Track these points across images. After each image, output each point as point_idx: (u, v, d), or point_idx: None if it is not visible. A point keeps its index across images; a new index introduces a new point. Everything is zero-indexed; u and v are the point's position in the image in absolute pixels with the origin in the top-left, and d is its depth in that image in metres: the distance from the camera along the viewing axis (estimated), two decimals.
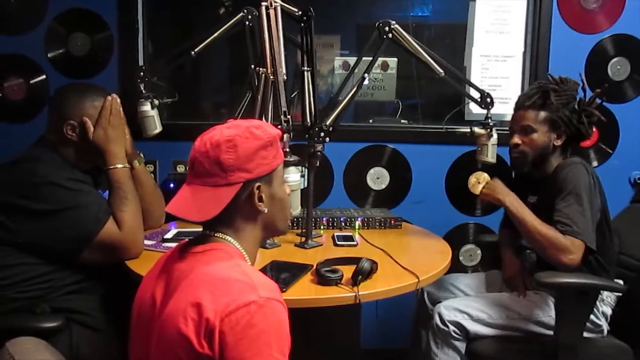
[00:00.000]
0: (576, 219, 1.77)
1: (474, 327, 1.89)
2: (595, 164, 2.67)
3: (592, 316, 1.87)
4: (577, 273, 1.78)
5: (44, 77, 2.55)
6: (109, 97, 1.74)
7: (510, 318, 1.90)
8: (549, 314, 1.88)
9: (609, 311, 1.92)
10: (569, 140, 1.96)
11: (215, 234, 1.12)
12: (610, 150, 2.68)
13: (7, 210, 1.59)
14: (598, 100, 1.97)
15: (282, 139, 1.70)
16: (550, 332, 1.84)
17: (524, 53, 2.66)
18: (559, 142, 1.94)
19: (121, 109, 1.77)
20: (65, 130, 1.69)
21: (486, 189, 1.97)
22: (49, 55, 2.54)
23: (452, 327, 1.89)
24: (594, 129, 2.57)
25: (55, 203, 1.60)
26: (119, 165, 1.74)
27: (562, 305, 1.80)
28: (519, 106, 1.99)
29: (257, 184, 1.12)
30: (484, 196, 1.99)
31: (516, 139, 1.97)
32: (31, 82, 2.55)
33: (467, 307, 1.92)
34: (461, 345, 1.91)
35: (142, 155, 1.94)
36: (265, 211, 1.14)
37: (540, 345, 1.86)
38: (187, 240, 1.16)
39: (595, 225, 1.82)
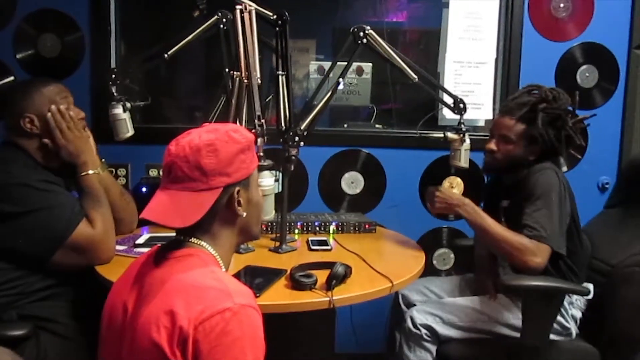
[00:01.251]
0: (544, 223, 1.79)
1: (444, 330, 1.92)
2: (565, 169, 2.72)
3: (560, 319, 1.90)
4: (543, 276, 1.81)
5: (12, 78, 2.49)
6: (49, 114, 1.69)
7: (480, 321, 1.93)
8: (517, 317, 1.90)
9: (578, 314, 1.95)
10: (544, 154, 1.94)
11: (190, 240, 1.10)
12: (579, 156, 2.73)
13: None
14: (585, 122, 1.98)
15: (256, 142, 1.70)
16: (518, 335, 1.87)
17: (496, 60, 2.70)
18: (532, 157, 1.93)
19: (71, 113, 1.73)
20: (24, 124, 1.67)
21: (439, 201, 1.92)
22: (17, 56, 2.49)
23: (423, 330, 1.91)
24: None
25: (26, 204, 1.57)
26: (90, 172, 1.74)
27: (528, 308, 1.83)
28: (505, 112, 1.97)
29: (237, 188, 1.11)
30: (438, 210, 1.95)
31: (492, 145, 1.96)
32: None
33: (439, 310, 1.95)
34: (432, 348, 1.93)
35: (104, 161, 1.88)
36: (244, 215, 1.13)
37: (508, 348, 1.89)
38: (159, 245, 1.14)
39: (564, 230, 1.84)
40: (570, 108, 1.93)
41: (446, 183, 2.02)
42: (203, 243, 1.10)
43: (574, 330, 1.93)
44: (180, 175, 1.06)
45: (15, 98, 1.70)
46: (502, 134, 1.95)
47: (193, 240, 1.10)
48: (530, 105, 1.90)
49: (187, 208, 1.05)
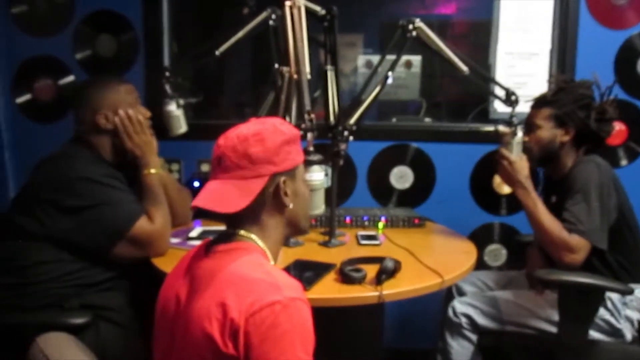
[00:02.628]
0: (582, 217, 1.76)
1: (483, 321, 1.92)
2: (624, 162, 2.62)
3: (610, 318, 1.83)
4: (581, 272, 1.76)
5: (72, 78, 2.59)
6: (117, 118, 1.76)
7: (521, 315, 1.90)
8: None
9: (635, 316, 1.86)
10: (581, 138, 1.93)
11: (240, 232, 1.12)
12: (639, 149, 2.62)
13: (42, 206, 1.63)
14: (612, 96, 1.94)
15: (305, 137, 1.71)
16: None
17: (551, 50, 2.62)
18: (566, 138, 1.92)
19: (139, 117, 1.79)
20: (99, 120, 1.74)
21: (511, 167, 1.89)
22: (77, 56, 2.59)
23: (463, 319, 1.92)
24: (625, 127, 2.56)
25: (89, 198, 1.63)
26: (153, 171, 1.80)
27: (563, 303, 1.78)
28: (533, 106, 2.02)
29: (283, 178, 1.13)
30: (502, 172, 1.93)
31: (525, 137, 1.98)
32: (60, 82, 2.60)
33: (480, 302, 1.95)
34: (473, 337, 1.93)
35: (163, 159, 1.95)
36: (291, 206, 1.15)
37: (548, 343, 1.85)
38: (211, 238, 1.17)
39: (607, 225, 1.79)
40: (594, 87, 1.93)
41: (498, 178, 1.99)
42: (252, 236, 1.12)
43: (628, 332, 1.85)
44: (229, 164, 1.09)
45: (92, 94, 1.77)
46: (529, 124, 1.98)
47: (242, 232, 1.12)
48: (551, 91, 1.95)
49: (236, 195, 1.07)
